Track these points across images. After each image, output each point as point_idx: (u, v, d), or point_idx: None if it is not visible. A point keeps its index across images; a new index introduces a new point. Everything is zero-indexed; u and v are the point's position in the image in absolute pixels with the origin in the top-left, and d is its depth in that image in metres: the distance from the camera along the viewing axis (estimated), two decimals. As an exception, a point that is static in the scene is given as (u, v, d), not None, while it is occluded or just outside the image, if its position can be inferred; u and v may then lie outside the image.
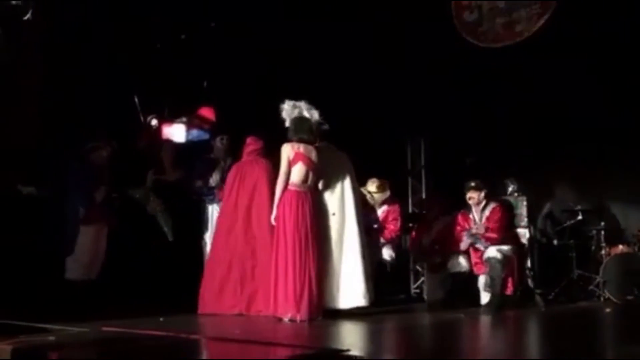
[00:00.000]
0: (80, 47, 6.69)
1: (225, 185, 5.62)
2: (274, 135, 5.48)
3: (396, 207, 6.62)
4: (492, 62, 7.12)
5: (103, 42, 6.84)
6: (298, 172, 4.99)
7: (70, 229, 5.71)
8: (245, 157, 5.63)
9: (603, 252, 6.73)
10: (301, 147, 5.05)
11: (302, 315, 4.79)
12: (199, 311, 5.29)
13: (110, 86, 6.90)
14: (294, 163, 5.00)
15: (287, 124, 5.24)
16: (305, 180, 5.01)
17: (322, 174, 5.18)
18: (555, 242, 7.03)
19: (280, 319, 4.86)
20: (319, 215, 5.11)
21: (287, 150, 5.02)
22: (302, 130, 5.11)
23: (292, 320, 4.80)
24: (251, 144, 5.62)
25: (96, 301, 5.51)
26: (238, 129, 5.96)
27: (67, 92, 6.58)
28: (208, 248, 5.75)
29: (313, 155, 5.08)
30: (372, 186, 6.53)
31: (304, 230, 4.89)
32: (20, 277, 5.53)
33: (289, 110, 5.27)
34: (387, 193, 6.60)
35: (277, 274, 4.91)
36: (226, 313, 5.22)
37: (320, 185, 5.18)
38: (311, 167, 5.04)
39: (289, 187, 4.98)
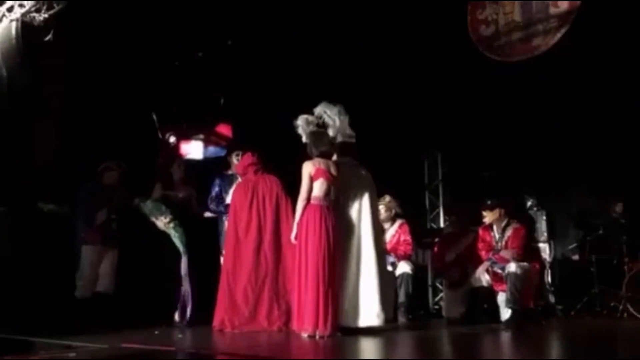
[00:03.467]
0: (100, 66, 6.80)
1: (234, 202, 5.56)
2: (290, 151, 5.48)
3: (405, 228, 6.54)
4: (508, 76, 7.09)
5: (122, 61, 6.95)
6: (320, 187, 5.00)
7: (75, 247, 5.87)
8: (249, 174, 5.63)
9: (625, 267, 6.61)
10: (322, 163, 5.06)
11: (321, 331, 4.75)
12: (228, 329, 5.22)
13: (129, 104, 6.99)
14: (315, 179, 5.01)
15: (305, 139, 5.25)
16: (327, 194, 5.01)
17: (342, 188, 5.18)
18: (576, 257, 6.92)
19: (299, 334, 4.83)
20: (339, 231, 5.10)
21: (309, 168, 5.03)
22: (321, 144, 5.11)
23: (311, 337, 4.76)
24: (248, 159, 5.65)
25: (112, 318, 5.55)
26: (255, 145, 5.98)
27: (87, 110, 6.68)
28: None
29: (333, 169, 5.09)
30: (382, 201, 6.48)
31: (327, 244, 4.86)
32: (39, 293, 5.59)
33: (303, 125, 5.27)
34: (393, 212, 6.54)
35: (299, 288, 4.88)
36: (264, 330, 5.20)
37: (340, 200, 5.17)
38: (332, 181, 5.05)
39: (312, 201, 4.98)
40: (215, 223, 6.07)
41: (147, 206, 5.73)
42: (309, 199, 4.99)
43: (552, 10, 6.76)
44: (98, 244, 5.84)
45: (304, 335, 4.78)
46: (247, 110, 7.38)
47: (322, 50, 7.35)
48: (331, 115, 5.29)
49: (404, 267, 6.34)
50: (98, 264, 5.85)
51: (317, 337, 4.73)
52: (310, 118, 5.29)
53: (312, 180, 5.00)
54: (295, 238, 5.00)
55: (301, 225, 4.95)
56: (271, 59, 7.41)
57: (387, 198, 6.50)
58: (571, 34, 6.64)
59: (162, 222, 5.64)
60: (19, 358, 3.76)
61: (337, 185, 5.09)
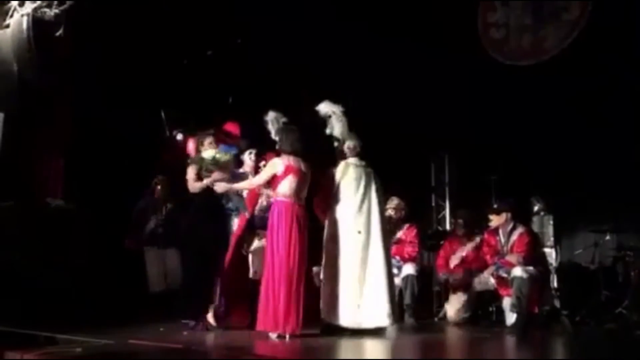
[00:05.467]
0: (109, 62, 6.81)
1: None
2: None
3: (413, 230, 6.53)
4: (517, 79, 7.08)
5: (131, 57, 6.97)
6: (289, 184, 4.95)
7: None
8: None
9: (632, 273, 6.58)
10: (291, 159, 5.01)
11: (293, 330, 4.73)
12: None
13: (137, 100, 7.01)
14: (284, 176, 4.95)
15: (274, 135, 5.22)
16: (296, 192, 4.97)
17: (350, 189, 5.15)
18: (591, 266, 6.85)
19: (268, 335, 4.77)
20: (341, 233, 5.10)
21: (277, 166, 4.98)
22: (293, 140, 5.06)
23: (281, 336, 4.73)
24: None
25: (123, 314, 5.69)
26: (265, 144, 5.98)
27: (95, 106, 6.70)
28: None
29: (303, 166, 5.05)
30: (390, 204, 6.46)
31: (297, 242, 4.83)
32: (50, 288, 5.61)
33: (274, 121, 5.26)
34: (403, 213, 6.53)
35: (272, 287, 4.79)
36: None
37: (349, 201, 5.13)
38: (302, 178, 5.02)
39: (282, 198, 4.93)
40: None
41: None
42: (254, 187, 5.08)
43: (564, 15, 6.75)
44: (154, 246, 6.54)
45: (273, 335, 4.74)
46: (255, 109, 7.38)
47: (330, 51, 7.35)
48: (340, 116, 5.28)
49: (408, 269, 6.33)
50: (160, 263, 6.52)
51: (288, 337, 4.71)
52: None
53: (275, 177, 4.97)
54: (268, 232, 4.96)
55: (272, 223, 4.91)
56: (279, 58, 7.42)
57: (396, 200, 6.49)
58: (582, 37, 6.63)
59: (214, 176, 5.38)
60: (25, 352, 3.76)
61: (308, 183, 5.08)
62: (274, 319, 4.73)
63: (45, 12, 6.19)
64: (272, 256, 4.84)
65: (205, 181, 5.31)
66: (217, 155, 5.28)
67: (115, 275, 6.52)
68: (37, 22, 6.14)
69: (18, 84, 6.10)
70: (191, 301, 5.29)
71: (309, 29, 7.19)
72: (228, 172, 5.44)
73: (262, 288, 4.86)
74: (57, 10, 6.18)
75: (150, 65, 7.07)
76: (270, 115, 5.29)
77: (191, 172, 5.42)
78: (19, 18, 6.19)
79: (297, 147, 5.05)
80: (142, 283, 6.70)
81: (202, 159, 5.34)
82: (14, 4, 6.16)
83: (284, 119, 5.28)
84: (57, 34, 6.18)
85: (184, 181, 5.54)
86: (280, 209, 4.90)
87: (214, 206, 5.48)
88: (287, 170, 4.95)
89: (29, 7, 6.15)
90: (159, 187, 6.64)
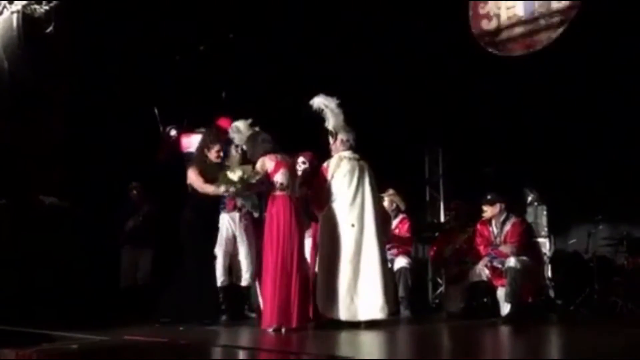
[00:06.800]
0: (101, 60, 6.80)
1: None
2: (293, 145, 5.48)
3: (405, 223, 6.56)
4: (510, 71, 7.09)
5: (123, 54, 6.95)
6: (283, 178, 4.99)
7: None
8: None
9: (625, 262, 6.62)
10: (278, 156, 5.05)
11: (290, 324, 4.75)
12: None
13: (130, 97, 7.00)
14: (276, 171, 4.99)
15: (245, 143, 5.28)
16: (290, 185, 5.01)
17: (344, 181, 5.16)
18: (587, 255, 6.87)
19: (265, 330, 4.79)
20: (335, 226, 5.10)
21: (267, 164, 5.01)
22: (264, 143, 5.09)
23: (277, 330, 4.74)
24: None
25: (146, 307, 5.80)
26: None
27: (89, 102, 6.69)
28: (220, 259, 5.67)
29: (289, 159, 5.11)
30: (385, 194, 6.48)
31: (296, 235, 4.87)
32: (45, 285, 5.61)
33: (244, 130, 5.30)
34: (394, 205, 6.55)
35: (273, 282, 4.80)
36: None
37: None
38: (293, 171, 5.09)
39: (278, 193, 4.96)
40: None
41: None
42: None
43: (555, 5, 6.76)
44: (129, 246, 6.82)
45: (270, 329, 4.75)
46: (248, 104, 7.38)
47: (324, 47, 7.35)
48: (334, 109, 5.28)
49: (401, 262, 6.36)
50: (133, 262, 6.80)
51: (284, 330, 4.72)
52: (246, 124, 5.31)
53: (268, 174, 4.98)
54: (267, 225, 4.96)
55: (270, 218, 4.93)
56: (272, 54, 7.41)
57: (391, 191, 6.52)
58: (571, 29, 6.65)
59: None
60: (20, 350, 3.77)
61: (296, 176, 5.14)
62: (269, 313, 4.76)
63: (35, 9, 6.17)
64: (270, 250, 4.85)
65: (222, 188, 5.17)
66: (245, 177, 5.09)
67: (109, 272, 6.54)
68: (27, 19, 6.12)
69: (9, 81, 6.08)
70: (204, 302, 5.25)
71: (303, 19, 7.19)
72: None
73: (262, 283, 4.90)
74: (47, 7, 6.16)
75: (144, 61, 7.06)
76: (234, 128, 5.34)
77: (195, 174, 5.34)
78: (8, 15, 6.17)
79: (269, 147, 5.08)
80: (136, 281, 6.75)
81: (226, 177, 5.13)
82: (3, 1, 6.13)
83: (248, 127, 5.28)
84: (48, 30, 6.16)
85: (180, 178, 5.52)
86: (278, 203, 4.93)
87: (212, 205, 5.44)
88: (278, 166, 4.99)
89: (18, 4, 6.13)
90: (134, 192, 6.96)
